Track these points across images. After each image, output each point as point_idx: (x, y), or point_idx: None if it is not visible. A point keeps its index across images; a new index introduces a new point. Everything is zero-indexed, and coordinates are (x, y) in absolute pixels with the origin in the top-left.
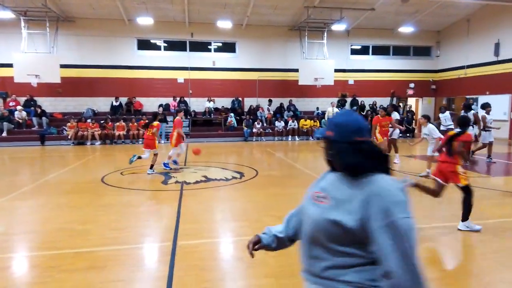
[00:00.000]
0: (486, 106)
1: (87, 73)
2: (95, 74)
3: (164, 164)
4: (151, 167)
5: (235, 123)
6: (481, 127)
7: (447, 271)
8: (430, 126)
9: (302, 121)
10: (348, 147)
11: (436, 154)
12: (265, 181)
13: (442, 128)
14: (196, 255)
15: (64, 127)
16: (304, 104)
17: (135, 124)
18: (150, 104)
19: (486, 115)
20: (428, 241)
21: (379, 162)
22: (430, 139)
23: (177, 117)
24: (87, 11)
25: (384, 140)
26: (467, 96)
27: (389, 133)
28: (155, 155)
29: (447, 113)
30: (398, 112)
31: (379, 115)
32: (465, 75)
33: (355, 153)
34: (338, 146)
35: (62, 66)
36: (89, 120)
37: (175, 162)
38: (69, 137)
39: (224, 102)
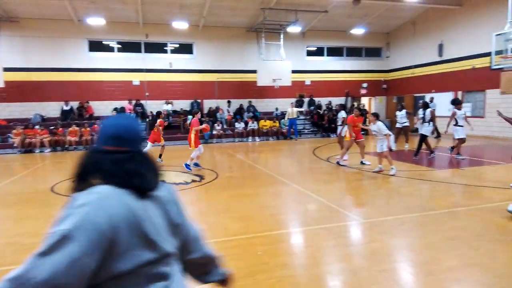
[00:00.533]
0: (457, 102)
1: (34, 77)
2: (43, 78)
3: (186, 165)
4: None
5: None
6: (454, 123)
7: (398, 262)
8: (379, 123)
9: (262, 122)
10: (94, 156)
11: (385, 149)
12: (225, 183)
13: (398, 125)
14: None
15: (9, 134)
16: (263, 105)
17: (88, 129)
18: (104, 107)
19: (457, 111)
20: (382, 233)
21: (124, 177)
22: (380, 136)
23: (194, 118)
24: (32, 10)
25: (351, 139)
26: (415, 95)
27: (339, 131)
28: (163, 146)
29: (404, 111)
30: (346, 111)
31: (353, 115)
32: (412, 74)
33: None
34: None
35: (6, 69)
36: (37, 126)
37: (196, 164)
38: (15, 144)
39: (183, 104)
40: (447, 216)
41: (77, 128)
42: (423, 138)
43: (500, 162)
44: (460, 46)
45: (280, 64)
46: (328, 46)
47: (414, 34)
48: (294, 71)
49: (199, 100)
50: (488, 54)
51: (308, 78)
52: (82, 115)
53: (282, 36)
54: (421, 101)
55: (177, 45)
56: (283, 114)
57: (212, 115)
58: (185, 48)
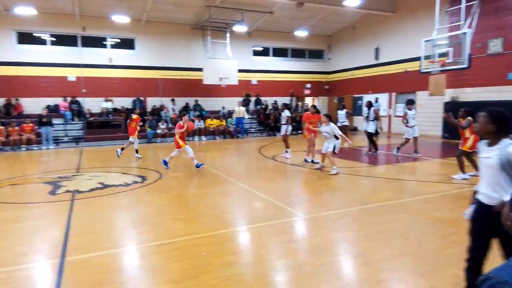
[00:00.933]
0: (408, 103)
1: None
2: None
3: (164, 161)
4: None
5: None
6: (405, 123)
7: (338, 255)
8: (332, 125)
9: (208, 121)
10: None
11: (330, 150)
12: (169, 183)
13: (338, 124)
14: (87, 270)
15: None
16: (210, 103)
17: (17, 128)
18: (35, 105)
19: (408, 111)
20: (323, 227)
21: None
22: (330, 137)
23: (180, 122)
24: None
25: (311, 136)
26: (354, 95)
27: (283, 130)
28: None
29: (344, 111)
30: (290, 110)
31: (308, 112)
32: (352, 76)
33: None
34: None
35: None
36: None
37: (165, 162)
38: None
39: (124, 102)
40: (382, 209)
41: (2, 127)
42: (370, 135)
43: (428, 158)
44: (394, 50)
45: (226, 63)
46: (274, 46)
47: (354, 38)
48: (240, 70)
49: (141, 98)
50: (418, 59)
51: (254, 78)
52: (10, 113)
53: (228, 35)
54: (367, 101)
55: (118, 40)
56: (230, 113)
57: (156, 113)
58: (126, 43)
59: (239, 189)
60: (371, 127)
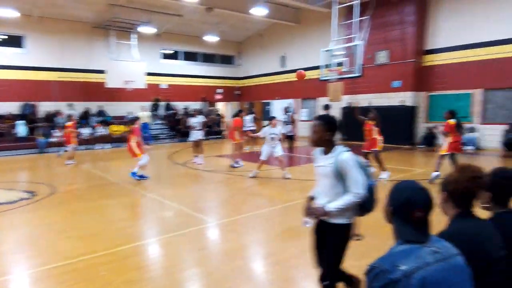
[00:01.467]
0: (325, 108)
1: None
2: None
3: (133, 174)
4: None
5: (25, 132)
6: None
7: (249, 257)
8: (280, 128)
9: (113, 127)
10: None
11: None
12: (64, 198)
13: (244, 129)
14: None
15: None
16: (115, 108)
17: None
18: None
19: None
20: (234, 231)
21: None
22: (276, 139)
23: (135, 126)
24: None
25: (243, 140)
26: (263, 101)
27: (196, 136)
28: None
29: (251, 116)
30: (203, 115)
31: (239, 118)
32: (261, 82)
33: None
34: None
35: None
36: None
37: (142, 177)
38: None
39: (11, 107)
40: (289, 209)
41: None
42: (290, 137)
43: None
44: (298, 58)
45: (133, 65)
46: (184, 50)
47: (262, 45)
48: (149, 74)
49: (32, 103)
50: (319, 67)
51: (164, 82)
52: None
53: (135, 36)
54: (284, 107)
55: (6, 37)
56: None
57: (50, 120)
58: (13, 41)
59: (147, 199)
60: (287, 130)
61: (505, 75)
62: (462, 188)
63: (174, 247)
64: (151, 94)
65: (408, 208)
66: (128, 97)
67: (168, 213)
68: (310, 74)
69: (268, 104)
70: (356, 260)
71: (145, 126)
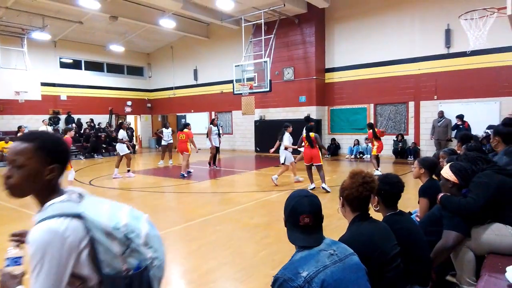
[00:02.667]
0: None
1: None
2: None
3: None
4: None
5: None
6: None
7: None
8: None
9: (2, 144)
10: None
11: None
12: None
13: (163, 143)
14: None
15: None
16: (4, 122)
17: None
18: None
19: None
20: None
21: None
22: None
23: (67, 136)
24: None
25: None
26: (178, 114)
27: (122, 148)
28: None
29: (170, 129)
30: (124, 130)
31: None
32: (174, 95)
33: None
34: None
35: None
36: None
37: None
38: None
39: None
40: (206, 223)
41: None
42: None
43: (244, 171)
44: (211, 72)
45: (24, 74)
46: (86, 59)
47: (173, 58)
48: (45, 84)
49: None
50: (232, 81)
51: (63, 93)
52: None
53: (25, 42)
54: (214, 119)
55: None
56: None
57: None
58: None
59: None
60: (216, 142)
61: (392, 92)
62: (355, 193)
63: None
64: (49, 106)
65: (295, 215)
66: (21, 110)
67: None
68: (224, 88)
69: (183, 117)
70: (272, 269)
71: None
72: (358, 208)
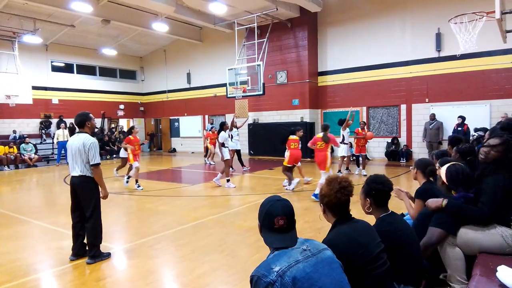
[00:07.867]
0: (341, 122)
1: None
2: None
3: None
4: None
5: None
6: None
7: (154, 282)
8: None
9: (5, 148)
10: None
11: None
12: None
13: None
14: None
15: None
16: None
17: None
18: None
19: (342, 131)
20: (139, 256)
21: None
22: None
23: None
24: None
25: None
26: (171, 117)
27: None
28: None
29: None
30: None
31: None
32: (167, 98)
33: None
34: None
35: None
36: None
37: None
38: None
39: None
40: (198, 227)
41: None
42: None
43: (237, 174)
44: (204, 76)
45: (15, 78)
46: (78, 63)
47: (166, 61)
48: (36, 88)
49: None
50: (225, 84)
51: (55, 96)
52: None
53: (16, 45)
54: (224, 122)
55: None
56: (22, 138)
57: None
58: None
59: (35, 229)
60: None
61: (385, 95)
62: (334, 199)
63: (67, 281)
64: (40, 110)
65: (270, 218)
66: (12, 114)
67: (64, 242)
68: (217, 91)
69: (177, 120)
70: None
71: (63, 145)
72: (338, 212)
